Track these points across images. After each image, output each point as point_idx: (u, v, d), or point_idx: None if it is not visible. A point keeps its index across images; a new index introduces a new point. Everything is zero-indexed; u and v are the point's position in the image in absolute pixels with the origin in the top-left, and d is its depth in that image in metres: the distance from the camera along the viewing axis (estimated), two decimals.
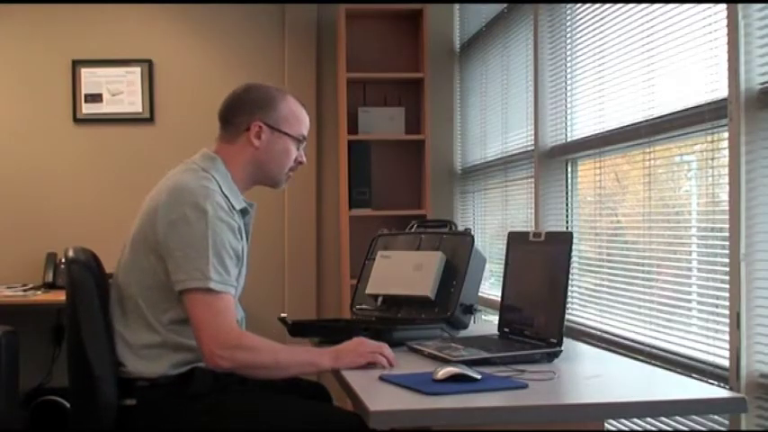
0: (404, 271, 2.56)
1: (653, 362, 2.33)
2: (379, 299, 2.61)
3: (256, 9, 4.53)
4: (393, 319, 2.53)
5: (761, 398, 1.98)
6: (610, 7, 2.73)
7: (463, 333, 2.46)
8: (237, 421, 1.99)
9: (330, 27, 4.53)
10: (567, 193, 3.16)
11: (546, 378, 1.87)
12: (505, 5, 3.74)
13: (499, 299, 2.39)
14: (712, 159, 2.20)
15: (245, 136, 2.18)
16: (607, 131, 2.76)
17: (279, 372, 2.05)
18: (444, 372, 1.81)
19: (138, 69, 4.45)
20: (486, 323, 3.48)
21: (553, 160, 3.21)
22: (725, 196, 2.09)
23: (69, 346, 2.10)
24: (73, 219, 4.38)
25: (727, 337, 2.07)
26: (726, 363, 2.06)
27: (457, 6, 4.58)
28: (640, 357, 2.41)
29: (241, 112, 2.19)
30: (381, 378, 1.86)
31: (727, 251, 2.06)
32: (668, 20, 2.37)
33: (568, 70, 3.11)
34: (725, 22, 2.07)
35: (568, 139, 3.13)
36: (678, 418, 2.25)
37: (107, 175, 4.44)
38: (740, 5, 2.01)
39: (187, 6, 4.49)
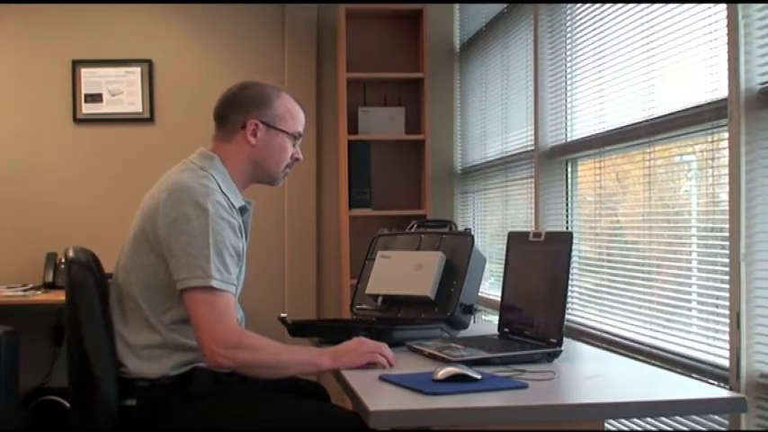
0: (404, 271, 2.56)
1: (653, 362, 2.33)
2: (379, 299, 2.61)
3: (256, 9, 4.53)
4: (393, 319, 2.53)
5: (761, 398, 1.98)
6: (610, 7, 2.73)
7: (463, 333, 2.46)
8: (238, 422, 1.99)
9: (330, 27, 4.53)
10: (567, 193, 3.16)
11: (546, 378, 1.87)
12: (505, 5, 3.74)
13: (499, 299, 2.39)
14: (712, 159, 2.20)
15: (242, 134, 2.18)
16: (607, 131, 2.76)
17: (279, 371, 2.05)
18: (444, 372, 1.81)
19: (138, 69, 4.45)
20: (486, 323, 3.48)
21: (553, 160, 3.21)
22: (725, 196, 2.09)
23: (69, 346, 2.10)
24: (73, 219, 4.38)
25: (727, 337, 2.07)
26: (726, 363, 2.06)
27: (457, 6, 4.58)
28: (640, 357, 2.41)
29: (237, 111, 2.19)
30: (381, 378, 1.86)
31: (727, 251, 2.06)
32: (668, 20, 2.37)
33: (568, 70, 3.11)
34: (725, 22, 2.07)
35: (568, 139, 3.13)
36: (678, 418, 2.26)
37: (107, 175, 4.44)
38: (740, 5, 2.01)
39: (187, 6, 4.49)
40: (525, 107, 3.47)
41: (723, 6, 2.09)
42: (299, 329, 2.42)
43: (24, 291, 4.05)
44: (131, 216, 2.17)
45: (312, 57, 4.51)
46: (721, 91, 2.10)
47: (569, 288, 2.48)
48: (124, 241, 2.14)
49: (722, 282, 2.11)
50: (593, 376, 1.99)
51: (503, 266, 2.41)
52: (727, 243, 2.05)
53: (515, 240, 2.39)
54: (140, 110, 4.46)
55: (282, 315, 2.39)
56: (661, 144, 2.47)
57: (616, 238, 2.82)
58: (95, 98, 4.43)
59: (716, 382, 2.07)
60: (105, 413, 2.00)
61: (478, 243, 2.57)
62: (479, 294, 2.57)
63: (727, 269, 2.05)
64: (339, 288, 4.44)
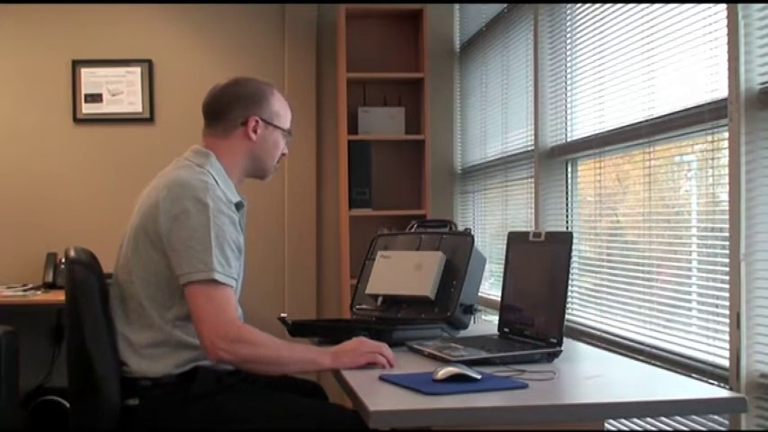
0: (404, 271, 2.56)
1: (653, 362, 2.33)
2: (379, 299, 2.61)
3: (256, 9, 4.53)
4: (393, 319, 2.53)
5: (761, 398, 1.98)
6: (610, 7, 2.73)
7: (463, 333, 2.46)
8: (240, 422, 2.00)
9: (330, 27, 4.53)
10: (567, 193, 3.16)
11: (546, 378, 1.87)
12: (505, 5, 3.75)
13: (499, 299, 2.39)
14: (712, 159, 2.20)
15: (242, 130, 2.20)
16: (607, 131, 2.76)
17: (279, 368, 2.05)
18: (444, 372, 1.81)
19: (138, 69, 4.45)
20: (486, 323, 3.47)
21: (553, 160, 3.21)
22: (725, 196, 2.10)
23: (71, 346, 2.09)
24: (73, 219, 4.38)
25: (727, 337, 2.07)
26: (726, 363, 2.06)
27: (457, 6, 4.58)
28: (640, 357, 2.41)
29: (236, 107, 2.20)
30: (381, 378, 1.86)
31: (727, 251, 2.06)
32: (668, 20, 2.37)
33: (568, 70, 3.11)
34: (725, 22, 2.07)
35: (568, 139, 3.13)
36: (678, 418, 2.26)
37: (107, 175, 4.44)
38: (740, 5, 2.01)
39: (187, 6, 4.49)
40: (525, 107, 3.47)
41: (723, 6, 2.09)
42: (298, 329, 2.42)
43: (24, 291, 4.05)
44: (131, 216, 2.17)
45: (312, 57, 4.51)
46: (721, 91, 2.10)
47: (569, 288, 2.48)
48: (122, 241, 2.14)
49: (722, 282, 2.11)
50: (593, 376, 1.99)
51: (503, 266, 2.41)
52: (727, 243, 2.05)
53: (515, 240, 2.39)
54: (140, 110, 4.46)
55: (282, 315, 2.39)
56: (661, 144, 2.47)
57: (616, 238, 2.82)
58: (95, 98, 4.44)
59: (716, 382, 2.08)
60: (108, 414, 2.00)
61: (478, 243, 2.57)
62: (479, 294, 2.57)
63: (727, 269, 2.05)
64: (339, 288, 4.44)
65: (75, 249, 2.12)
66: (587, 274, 2.99)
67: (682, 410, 1.94)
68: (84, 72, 4.42)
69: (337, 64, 4.46)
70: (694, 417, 2.19)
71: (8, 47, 4.43)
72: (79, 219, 4.38)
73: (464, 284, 2.45)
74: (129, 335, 2.06)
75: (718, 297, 2.15)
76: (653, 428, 2.42)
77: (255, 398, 2.09)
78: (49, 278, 4.15)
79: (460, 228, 2.75)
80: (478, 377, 1.81)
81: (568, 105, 3.13)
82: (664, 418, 2.34)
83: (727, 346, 2.06)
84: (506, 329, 2.33)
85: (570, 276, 2.38)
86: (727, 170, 2.07)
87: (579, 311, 2.99)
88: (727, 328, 2.07)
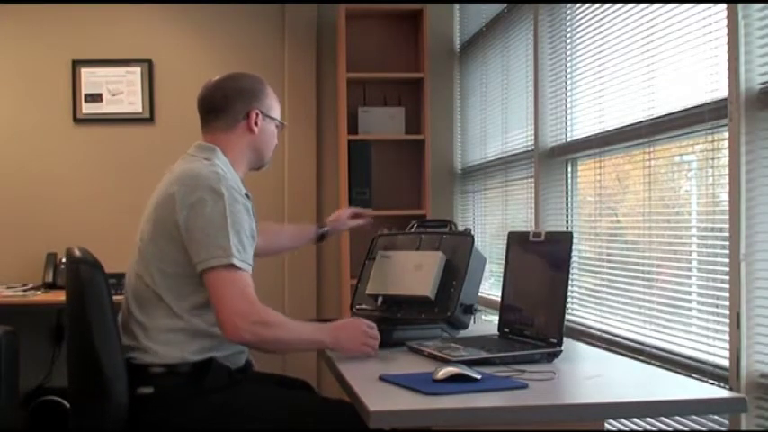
0: (404, 271, 2.56)
1: (653, 362, 2.33)
2: (379, 299, 2.61)
3: (256, 9, 4.53)
4: (393, 319, 2.53)
5: (761, 398, 1.98)
6: (610, 7, 2.73)
7: (463, 333, 2.46)
8: (249, 419, 2.01)
9: (330, 27, 4.53)
10: (567, 193, 3.16)
11: (546, 378, 1.87)
12: (505, 5, 3.75)
13: (499, 299, 2.39)
14: (712, 159, 2.20)
15: (244, 124, 2.25)
16: (607, 131, 2.76)
17: (291, 348, 2.18)
18: (444, 372, 1.81)
19: (138, 69, 4.45)
20: (486, 323, 3.47)
21: (553, 160, 3.21)
22: (725, 196, 2.10)
23: (76, 347, 2.09)
24: (73, 219, 4.38)
25: (727, 337, 2.07)
26: (726, 363, 2.06)
27: (457, 6, 4.58)
28: (640, 357, 2.42)
29: (238, 101, 2.25)
30: (381, 378, 1.86)
31: (727, 251, 2.06)
32: (668, 20, 2.37)
33: (568, 70, 3.11)
34: (725, 22, 2.07)
35: (568, 139, 3.13)
36: (678, 418, 2.26)
37: (107, 175, 4.44)
38: (740, 5, 2.01)
39: (187, 6, 4.49)
40: (525, 107, 3.47)
41: (723, 6, 2.09)
42: None
43: (24, 291, 4.05)
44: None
45: (312, 57, 4.51)
46: (721, 91, 2.10)
47: (569, 288, 2.48)
48: (140, 237, 2.16)
49: (722, 282, 2.11)
50: (593, 376, 1.99)
51: (503, 266, 2.41)
52: (728, 243, 2.05)
53: (515, 240, 2.39)
54: (140, 110, 4.46)
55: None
56: (661, 144, 2.47)
57: (616, 238, 2.82)
58: (95, 98, 4.44)
59: (716, 382, 2.08)
60: (115, 414, 1.99)
61: (478, 243, 2.57)
62: (479, 294, 2.57)
63: (727, 269, 2.06)
64: (339, 288, 4.44)
65: (80, 249, 2.12)
66: (587, 274, 2.99)
67: (682, 410, 1.94)
68: (84, 72, 4.42)
69: (337, 64, 4.46)
70: (694, 417, 2.19)
71: (8, 47, 4.43)
72: (79, 219, 4.38)
73: (464, 284, 2.45)
74: (146, 322, 2.08)
75: (718, 297, 2.15)
76: (653, 428, 2.42)
77: (266, 395, 2.12)
78: (49, 278, 4.15)
79: (460, 228, 2.75)
80: (478, 377, 1.81)
81: (568, 105, 3.13)
82: (664, 418, 2.34)
83: (727, 346, 2.06)
84: (506, 329, 2.33)
85: (570, 276, 2.38)
86: (727, 170, 2.07)
87: (579, 311, 2.99)
88: (727, 328, 2.07)
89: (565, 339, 2.11)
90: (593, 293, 2.92)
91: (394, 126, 4.35)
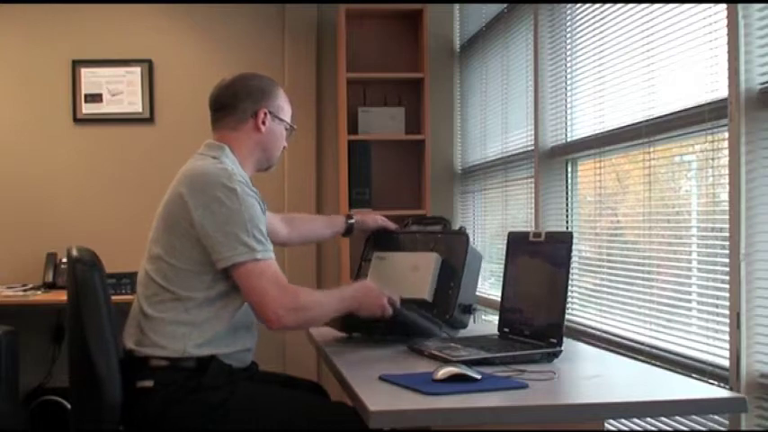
0: (400, 273, 2.56)
1: (653, 362, 2.33)
2: None
3: (256, 9, 4.53)
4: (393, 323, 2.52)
5: (761, 398, 1.98)
6: (610, 7, 2.73)
7: (463, 333, 2.46)
8: (246, 418, 2.01)
9: (330, 27, 4.53)
10: (567, 193, 3.16)
11: (546, 378, 1.87)
12: (505, 5, 3.75)
13: (499, 299, 2.39)
14: (712, 159, 2.20)
15: (252, 122, 2.27)
16: (607, 131, 2.76)
17: (321, 322, 2.27)
18: (444, 372, 1.81)
19: (138, 69, 4.45)
20: (486, 323, 3.47)
21: (553, 160, 3.21)
22: (725, 196, 2.09)
23: (72, 346, 2.10)
24: (73, 219, 4.38)
25: (727, 337, 2.07)
26: (726, 363, 2.06)
27: (457, 6, 4.58)
28: (640, 357, 2.41)
29: (246, 99, 2.27)
30: (381, 378, 1.86)
31: (727, 251, 2.06)
32: (668, 20, 2.37)
33: (568, 70, 3.11)
34: (725, 22, 2.07)
35: (568, 139, 3.13)
36: (678, 418, 2.26)
37: (107, 175, 4.44)
38: (740, 5, 2.01)
39: (187, 6, 4.49)
40: (525, 107, 3.47)
41: (723, 6, 2.09)
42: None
43: (24, 291, 4.05)
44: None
45: (312, 57, 4.51)
46: (721, 91, 2.10)
47: (569, 288, 2.48)
48: (153, 235, 2.17)
49: (722, 282, 2.11)
50: (593, 376, 1.99)
51: (503, 266, 2.41)
52: (728, 243, 2.05)
53: (515, 240, 2.39)
54: (140, 110, 4.46)
55: None
56: (661, 144, 2.47)
57: (616, 238, 2.82)
58: (95, 98, 4.44)
59: (716, 382, 2.07)
60: (109, 414, 2.00)
61: (478, 243, 2.57)
62: (479, 294, 2.57)
63: (727, 269, 2.05)
64: None
65: (78, 249, 2.12)
66: (587, 274, 2.99)
67: (682, 410, 1.94)
68: (85, 72, 4.42)
69: (337, 64, 4.46)
70: (694, 417, 2.19)
71: (8, 47, 4.43)
72: (79, 219, 4.38)
73: (461, 284, 2.45)
74: (152, 314, 2.09)
75: (718, 297, 2.15)
76: (653, 428, 2.42)
77: (266, 394, 2.11)
78: (49, 278, 4.15)
79: (456, 226, 2.73)
80: (478, 377, 1.81)
81: (568, 105, 3.13)
82: (664, 418, 2.34)
83: (727, 346, 2.06)
84: (506, 329, 2.33)
85: (570, 276, 2.38)
86: (727, 170, 2.07)
87: (579, 311, 2.99)
88: (727, 328, 2.07)
89: (565, 339, 2.11)
90: (593, 293, 2.92)
91: (394, 126, 4.35)
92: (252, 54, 4.49)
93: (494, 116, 3.93)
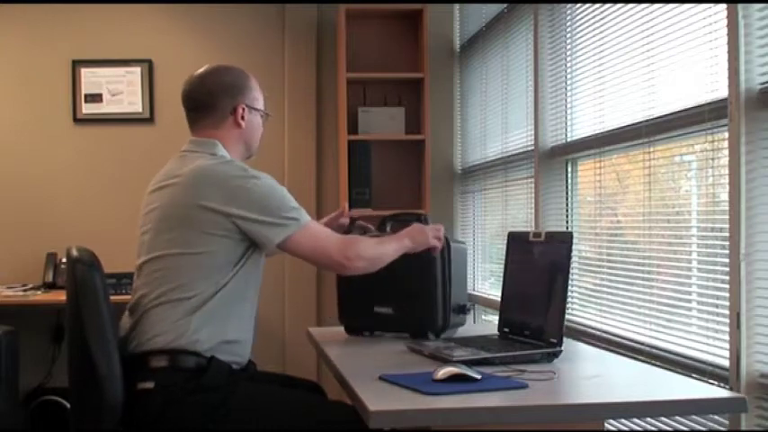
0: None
1: (653, 362, 2.33)
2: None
3: (256, 9, 4.53)
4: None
5: (761, 398, 1.98)
6: (610, 7, 2.73)
7: (463, 333, 2.46)
8: (246, 418, 2.01)
9: (330, 27, 4.53)
10: (567, 193, 3.16)
11: (546, 378, 1.87)
12: (505, 5, 3.75)
13: (499, 299, 2.39)
14: (712, 159, 2.20)
15: (232, 119, 2.28)
16: (607, 131, 2.76)
17: (385, 261, 2.27)
18: (444, 372, 1.81)
19: (138, 69, 4.45)
20: (486, 323, 3.48)
21: (553, 160, 3.21)
22: (725, 196, 2.09)
23: (72, 346, 2.10)
24: (73, 219, 4.38)
25: (727, 337, 2.07)
26: (726, 363, 2.06)
27: (457, 6, 4.58)
28: (640, 357, 2.41)
29: (224, 97, 2.27)
30: (381, 378, 1.86)
31: (727, 251, 2.06)
32: (668, 20, 2.37)
33: (568, 70, 3.11)
34: (725, 22, 2.07)
35: (568, 139, 3.13)
36: (678, 418, 2.26)
37: (107, 175, 4.44)
38: (740, 5, 2.01)
39: (187, 6, 4.49)
40: (525, 107, 3.47)
41: (723, 6, 2.09)
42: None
43: (24, 291, 4.05)
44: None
45: (312, 57, 4.51)
46: (721, 91, 2.10)
47: (569, 288, 2.48)
48: (146, 230, 2.17)
49: (722, 282, 2.11)
50: (593, 376, 1.99)
51: (503, 266, 2.41)
52: (728, 243, 2.05)
53: (515, 240, 2.39)
54: (140, 110, 4.46)
55: None
56: (661, 144, 2.47)
57: (616, 238, 2.82)
58: (95, 98, 4.44)
59: (716, 382, 2.07)
60: (109, 414, 2.00)
61: (479, 243, 2.57)
62: (479, 294, 2.57)
63: (727, 269, 2.05)
64: None
65: (78, 249, 2.12)
66: (587, 274, 2.99)
67: (682, 410, 1.94)
68: (84, 72, 4.42)
69: (337, 64, 4.46)
70: (694, 417, 2.19)
71: (8, 47, 4.43)
72: (79, 219, 4.38)
73: (451, 288, 2.43)
74: (156, 307, 2.09)
75: (718, 297, 2.15)
76: (653, 428, 2.42)
77: (265, 394, 2.11)
78: (49, 278, 4.15)
79: (456, 226, 2.72)
80: (478, 377, 1.81)
81: (568, 105, 3.13)
82: (664, 418, 2.34)
83: (727, 346, 2.06)
84: (506, 329, 2.33)
85: (570, 276, 2.38)
86: (727, 170, 2.07)
87: (579, 311, 2.99)
88: (727, 328, 2.07)
89: (565, 339, 2.12)
90: (593, 293, 2.92)
91: (394, 126, 4.35)
92: (252, 54, 4.49)
93: (494, 116, 3.93)
